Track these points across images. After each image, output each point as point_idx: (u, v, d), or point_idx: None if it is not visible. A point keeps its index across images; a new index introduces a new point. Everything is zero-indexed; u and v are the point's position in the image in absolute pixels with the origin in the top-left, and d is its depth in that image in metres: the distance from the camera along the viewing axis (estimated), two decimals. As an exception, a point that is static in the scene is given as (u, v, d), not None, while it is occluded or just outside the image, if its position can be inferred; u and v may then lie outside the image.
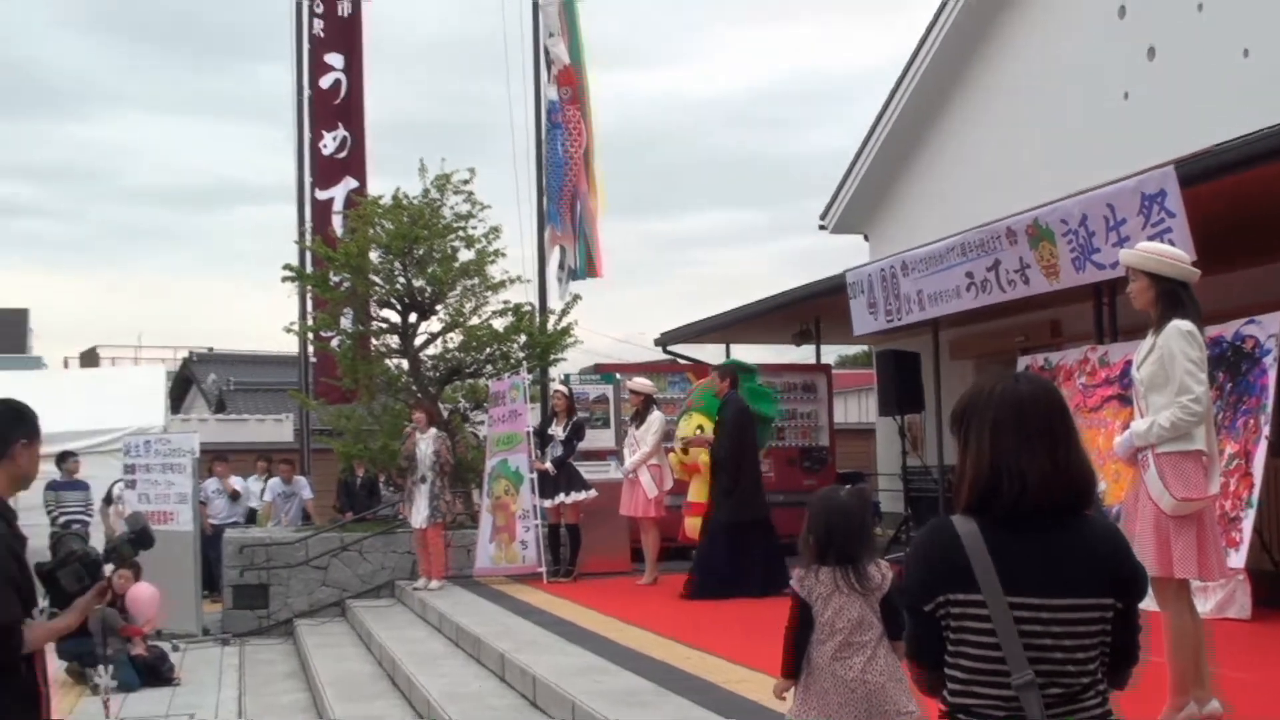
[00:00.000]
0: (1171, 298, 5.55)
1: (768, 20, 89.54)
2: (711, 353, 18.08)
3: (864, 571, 4.43)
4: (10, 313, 38.41)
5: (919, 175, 17.30)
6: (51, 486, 15.64)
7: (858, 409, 27.30)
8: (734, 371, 12.13)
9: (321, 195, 18.22)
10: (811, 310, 15.63)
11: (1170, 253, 5.74)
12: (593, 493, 13.19)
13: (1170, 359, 5.45)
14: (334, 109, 18.35)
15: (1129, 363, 9.77)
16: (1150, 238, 7.81)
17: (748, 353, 17.47)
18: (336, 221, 17.58)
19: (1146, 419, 5.56)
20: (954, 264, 10.73)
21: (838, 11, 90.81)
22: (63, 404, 18.21)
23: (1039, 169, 14.11)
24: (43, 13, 72.88)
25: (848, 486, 4.95)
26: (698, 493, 11.89)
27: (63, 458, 15.68)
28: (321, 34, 18.30)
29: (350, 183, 18.25)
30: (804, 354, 18.45)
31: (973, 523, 2.66)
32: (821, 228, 19.13)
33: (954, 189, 16.23)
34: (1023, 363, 11.61)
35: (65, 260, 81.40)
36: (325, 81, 18.30)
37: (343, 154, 18.37)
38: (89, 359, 39.50)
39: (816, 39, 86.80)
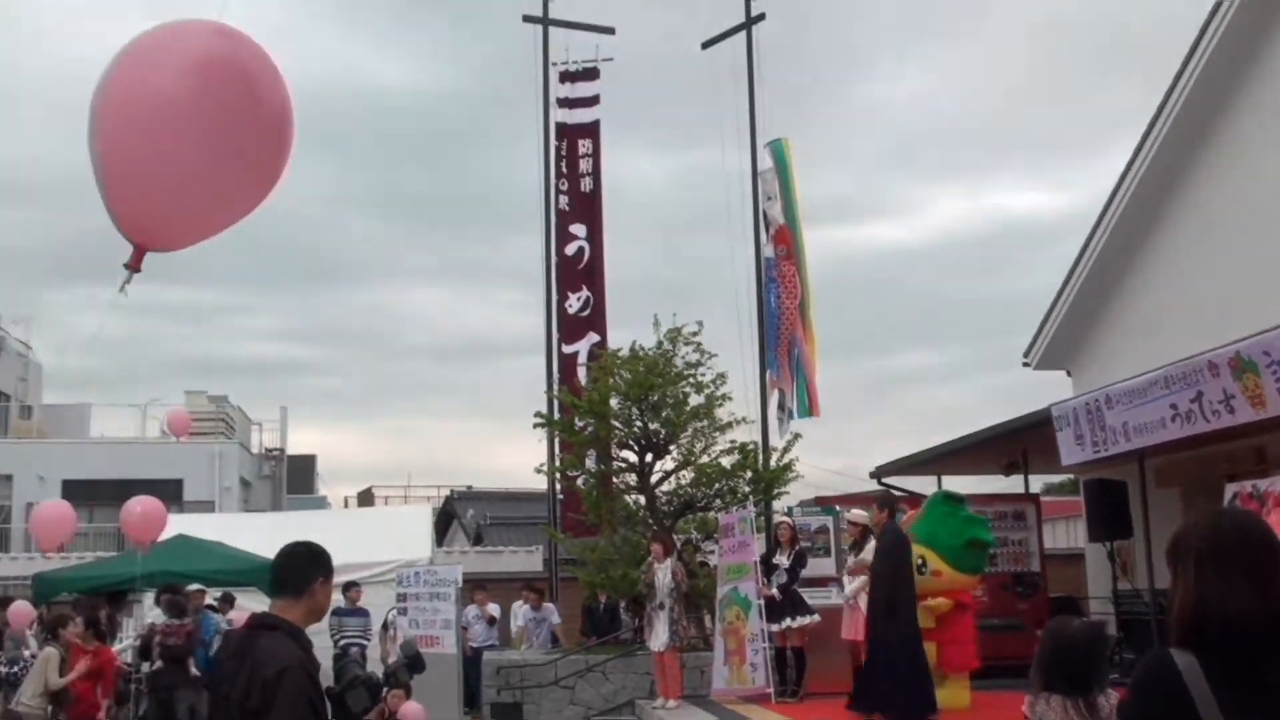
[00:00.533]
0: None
1: (965, 174, 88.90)
2: (923, 484, 17.66)
3: (1094, 701, 4.24)
4: (301, 459, 40.32)
5: (1118, 312, 16.75)
6: (336, 612, 16.14)
7: (1066, 535, 26.22)
8: (892, 503, 11.95)
9: (568, 349, 18.70)
10: (1019, 442, 15.18)
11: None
12: (816, 618, 12.94)
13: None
14: (578, 273, 18.90)
15: (1339, 488, 9.18)
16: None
17: (958, 483, 17.01)
18: (581, 373, 17.99)
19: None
20: (1157, 397, 10.29)
21: (1032, 164, 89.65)
22: (344, 539, 18.92)
23: (1236, 303, 13.49)
24: (330, 199, 77.60)
25: (1081, 619, 4.77)
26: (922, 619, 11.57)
27: (347, 587, 16.22)
28: (567, 208, 18.96)
29: (593, 337, 18.68)
30: (1012, 484, 17.88)
31: (1190, 655, 2.54)
32: (1025, 364, 18.64)
33: (1153, 324, 15.65)
34: (1230, 490, 10.98)
35: (347, 412, 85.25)
36: (570, 249, 18.90)
37: (586, 312, 18.85)
38: (365, 498, 41.02)
39: (1014, 187, 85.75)
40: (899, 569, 11.13)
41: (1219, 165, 14.71)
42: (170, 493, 31.79)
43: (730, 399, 15.64)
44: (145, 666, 13.62)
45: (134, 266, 5.51)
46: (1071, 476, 21.19)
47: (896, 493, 17.65)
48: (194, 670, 13.44)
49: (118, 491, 18.08)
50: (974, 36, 79.17)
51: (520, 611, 17.78)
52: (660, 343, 15.63)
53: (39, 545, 15.15)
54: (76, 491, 31.16)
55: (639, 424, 15.41)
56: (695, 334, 15.64)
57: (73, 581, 14.78)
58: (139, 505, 15.29)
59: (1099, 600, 16.63)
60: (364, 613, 15.97)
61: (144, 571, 14.62)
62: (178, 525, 18.22)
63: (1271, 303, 12.27)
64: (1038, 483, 21.46)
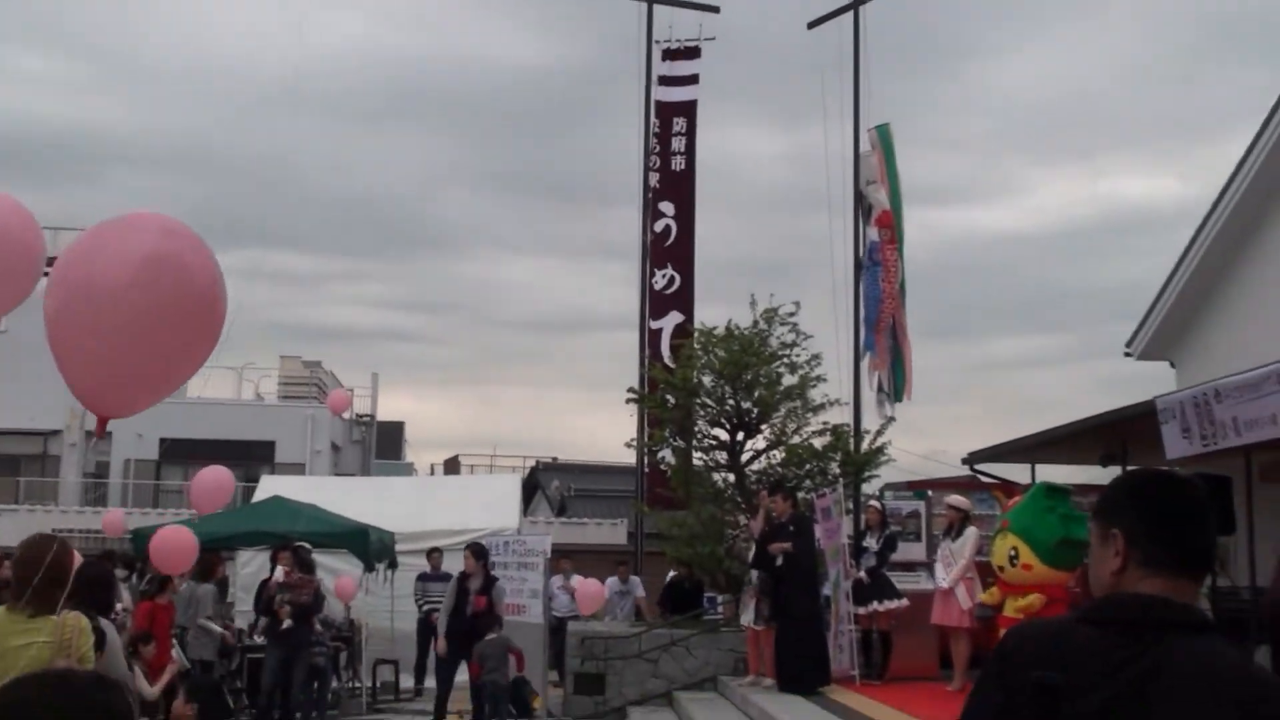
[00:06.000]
0: None
1: (1079, 158, 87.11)
2: (1017, 472, 17.39)
3: None
4: (390, 426, 40.86)
5: (1227, 304, 16.32)
6: (421, 578, 16.34)
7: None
8: (794, 492, 13.56)
9: (654, 325, 18.72)
10: (1119, 433, 14.86)
11: None
12: (904, 601, 12.89)
13: None
14: (664, 250, 18.87)
15: None
16: None
17: (1053, 473, 16.68)
18: (665, 349, 18.04)
19: None
20: (1271, 391, 10.00)
21: (1151, 149, 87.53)
22: (434, 505, 19.16)
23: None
24: (438, 169, 78.28)
25: None
26: (1009, 606, 11.49)
27: (430, 552, 16.38)
28: (657, 185, 18.92)
29: (676, 317, 18.67)
30: (1109, 475, 17.53)
31: None
32: (1127, 354, 18.25)
33: (1263, 318, 15.23)
34: (1341, 489, 10.70)
35: (439, 379, 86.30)
36: (658, 226, 18.89)
37: (671, 290, 18.84)
38: (451, 466, 41.47)
39: (1131, 172, 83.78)
40: (812, 553, 12.68)
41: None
42: (263, 454, 32.51)
43: (824, 380, 15.54)
44: (262, 623, 13.83)
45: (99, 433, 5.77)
46: (1169, 470, 20.79)
47: (987, 479, 17.41)
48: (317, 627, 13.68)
49: (213, 451, 18.39)
50: (1094, 15, 77.36)
51: (607, 584, 17.88)
52: (756, 322, 15.54)
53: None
54: (173, 450, 31.96)
55: (731, 402, 15.35)
56: (792, 314, 15.53)
57: (171, 537, 14.99)
58: (209, 475, 15.54)
59: (1193, 597, 16.28)
60: (447, 577, 16.13)
61: (242, 530, 14.89)
62: (270, 486, 18.58)
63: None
64: (1131, 475, 21.05)
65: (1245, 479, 12.50)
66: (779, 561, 12.38)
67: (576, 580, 17.95)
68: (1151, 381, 18.05)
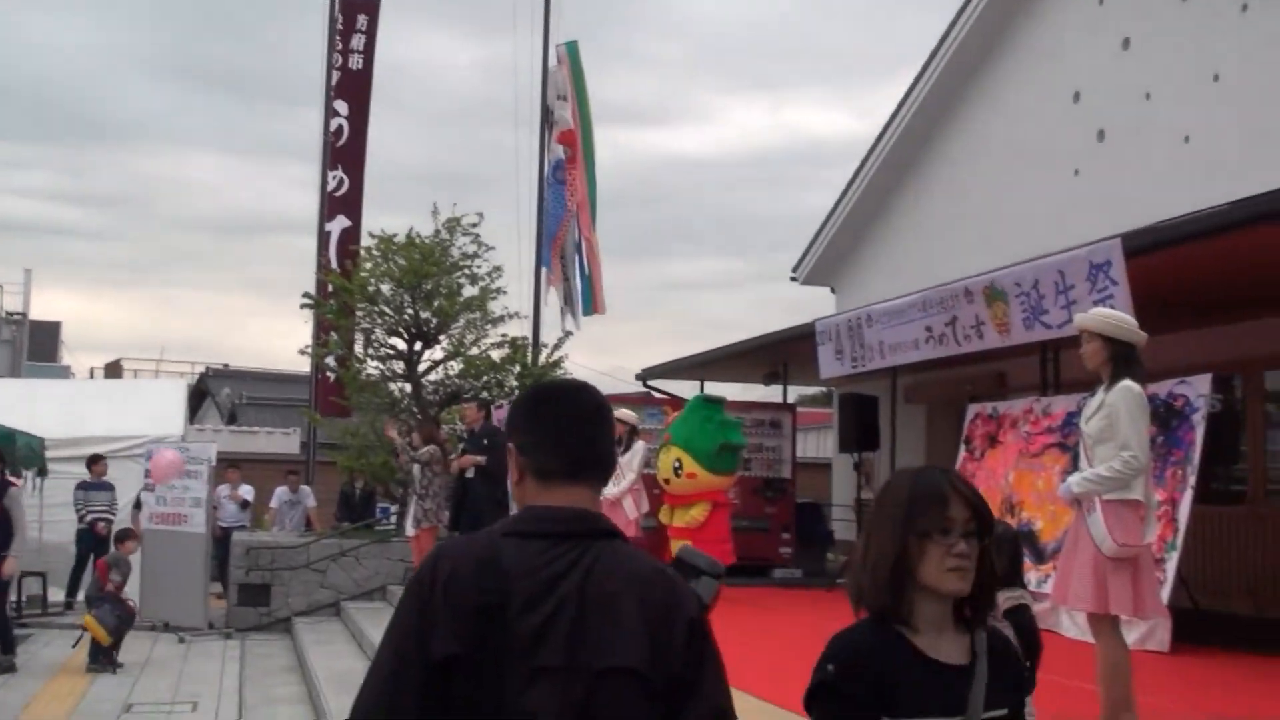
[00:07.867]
0: (1123, 359, 5.55)
1: (767, 88, 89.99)
2: (688, 388, 18.03)
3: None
4: (45, 325, 38.17)
5: (884, 237, 17.38)
6: (81, 486, 15.44)
7: (816, 445, 27.28)
8: (488, 404, 13.20)
9: (327, 228, 18.29)
10: (781, 353, 15.65)
11: (1124, 319, 5.74)
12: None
13: (1117, 416, 5.45)
14: (336, 152, 18.39)
15: (1069, 413, 9.84)
16: (1095, 303, 7.83)
17: (720, 389, 17.39)
18: (333, 254, 17.66)
19: (1091, 469, 5.55)
20: (915, 318, 10.76)
21: (835, 84, 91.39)
22: (90, 410, 18.10)
23: (994, 236, 14.19)
24: (113, 56, 72.85)
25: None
26: (679, 518, 11.99)
27: (92, 460, 15.51)
28: (335, 84, 18.35)
29: (344, 221, 18.31)
30: (771, 393, 18.44)
31: None
32: (793, 279, 19.16)
33: (916, 250, 16.31)
34: (972, 410, 11.65)
35: (104, 279, 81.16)
36: (333, 126, 18.36)
37: (340, 192, 18.41)
38: (113, 370, 39.26)
39: (814, 105, 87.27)
40: (503, 464, 11.84)
41: (982, 108, 15.35)
42: (-104, 352, 29.78)
43: (505, 293, 15.60)
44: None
45: None
46: (825, 389, 22.05)
47: (659, 395, 17.99)
48: None
49: None
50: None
51: (276, 494, 17.46)
52: (438, 231, 15.37)
53: None
54: None
55: (410, 311, 15.17)
56: (475, 225, 15.46)
57: None
58: None
59: (842, 508, 17.44)
60: (109, 487, 15.34)
61: None
62: (-96, 386, 17.08)
63: (1025, 235, 12.97)
64: (794, 393, 22.25)
65: (890, 399, 13.41)
66: (470, 474, 12.38)
67: (246, 489, 17.45)
68: (817, 305, 19.06)
